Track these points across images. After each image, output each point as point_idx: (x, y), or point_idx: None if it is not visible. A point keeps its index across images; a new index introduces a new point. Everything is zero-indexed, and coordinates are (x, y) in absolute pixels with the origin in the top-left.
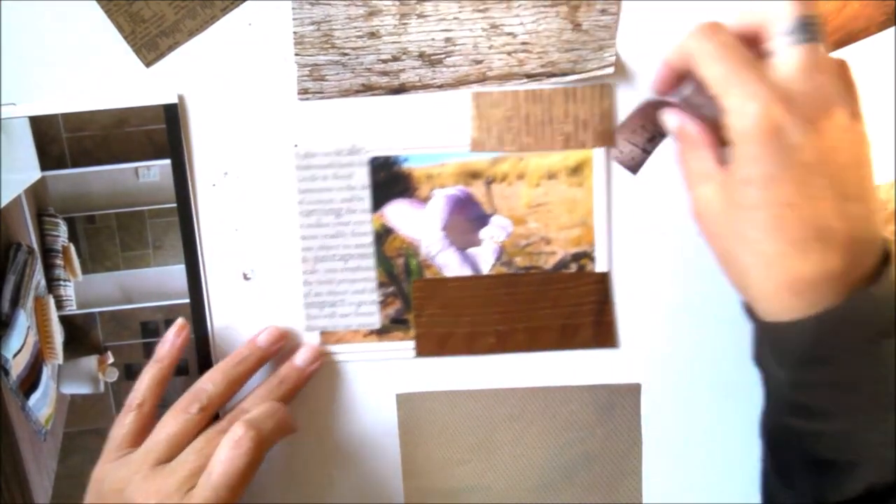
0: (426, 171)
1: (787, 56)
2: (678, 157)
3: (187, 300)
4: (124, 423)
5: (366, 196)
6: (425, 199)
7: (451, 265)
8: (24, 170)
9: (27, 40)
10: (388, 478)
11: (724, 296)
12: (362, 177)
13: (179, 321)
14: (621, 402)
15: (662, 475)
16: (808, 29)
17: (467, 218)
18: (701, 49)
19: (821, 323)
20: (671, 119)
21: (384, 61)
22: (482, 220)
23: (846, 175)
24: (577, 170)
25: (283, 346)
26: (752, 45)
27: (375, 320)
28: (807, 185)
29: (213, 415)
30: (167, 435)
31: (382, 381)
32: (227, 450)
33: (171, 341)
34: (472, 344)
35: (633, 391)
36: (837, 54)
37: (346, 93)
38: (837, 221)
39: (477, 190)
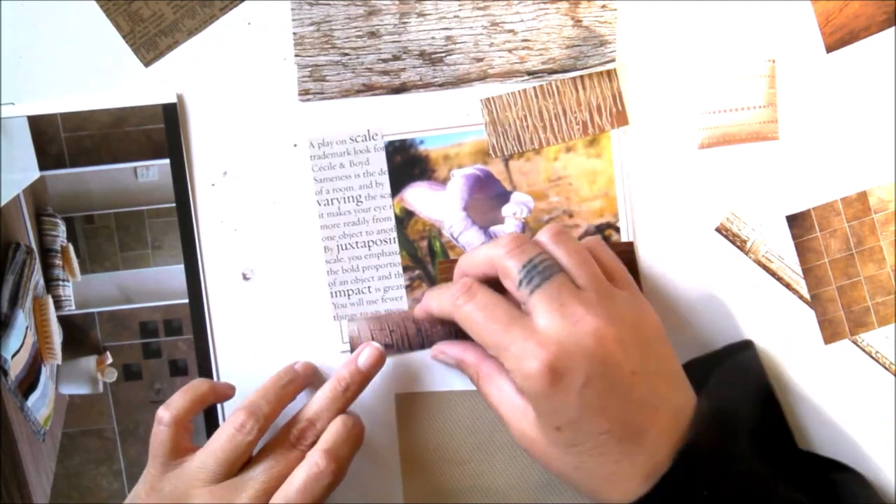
0: (443, 151)
1: (532, 305)
2: (478, 386)
3: (186, 300)
4: (162, 440)
5: (384, 181)
6: (444, 180)
7: (475, 244)
8: (22, 169)
9: (26, 40)
10: (387, 478)
11: (745, 267)
12: (379, 162)
13: (229, 384)
14: None
15: None
16: (535, 273)
17: (488, 196)
18: (462, 314)
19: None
20: (450, 350)
21: (385, 61)
22: (503, 197)
23: (646, 360)
24: (594, 141)
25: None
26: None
27: (403, 305)
28: (611, 406)
29: (265, 432)
30: (222, 450)
31: (382, 380)
32: (306, 478)
33: (226, 385)
34: None
35: None
36: (838, 53)
37: (346, 93)
38: (652, 414)
39: (495, 167)
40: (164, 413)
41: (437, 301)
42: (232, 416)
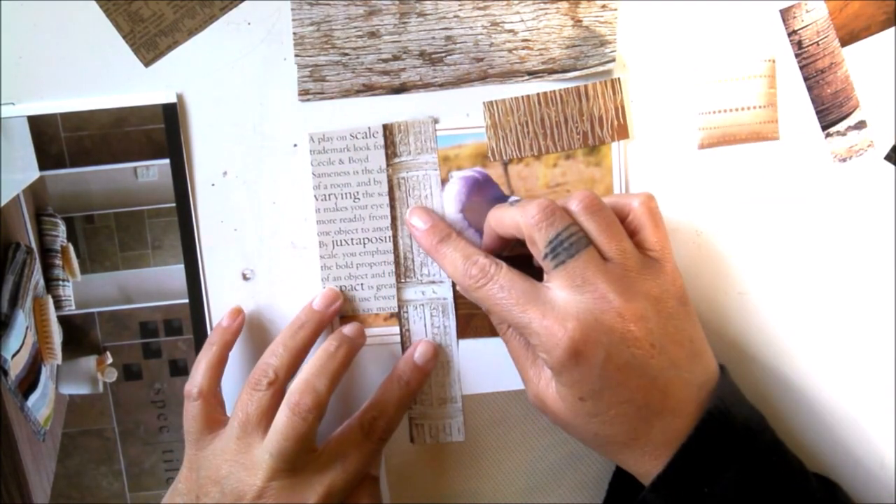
0: (442, 153)
1: (555, 279)
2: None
3: (187, 300)
4: (194, 414)
5: (383, 179)
6: (443, 182)
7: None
8: (22, 169)
9: (26, 40)
10: None
11: (744, 273)
12: (378, 159)
13: (235, 307)
14: None
15: None
16: (561, 249)
17: (486, 199)
18: (479, 296)
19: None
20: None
21: (385, 61)
22: (500, 201)
23: (667, 333)
24: (594, 149)
25: (339, 308)
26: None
27: (395, 303)
28: (631, 378)
29: (285, 385)
30: (245, 414)
31: (363, 389)
32: (285, 415)
33: (226, 325)
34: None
35: None
36: (839, 53)
37: (346, 93)
38: (672, 384)
39: (494, 171)
40: (191, 388)
41: (452, 268)
42: (248, 378)
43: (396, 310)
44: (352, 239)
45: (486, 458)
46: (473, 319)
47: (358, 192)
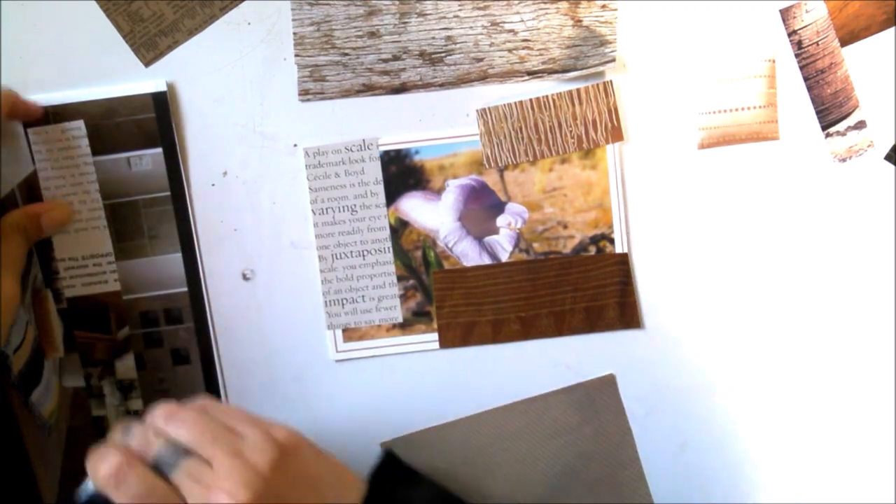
0: (438, 162)
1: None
2: None
3: (185, 288)
4: None
5: (379, 191)
6: (439, 191)
7: (469, 254)
8: (17, 163)
9: (26, 40)
10: None
11: (744, 273)
12: (374, 171)
13: None
14: (600, 395)
15: (662, 458)
16: (165, 468)
17: (482, 206)
18: (117, 496)
19: None
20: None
21: (385, 61)
22: (497, 207)
23: (301, 497)
24: (589, 152)
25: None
26: None
27: (397, 314)
28: None
29: None
30: None
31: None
32: None
33: None
34: (496, 332)
35: (609, 383)
36: (839, 53)
37: (346, 93)
38: None
39: (490, 178)
40: None
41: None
42: None
43: (399, 320)
44: (351, 251)
45: (497, 472)
46: (476, 327)
47: (355, 205)
